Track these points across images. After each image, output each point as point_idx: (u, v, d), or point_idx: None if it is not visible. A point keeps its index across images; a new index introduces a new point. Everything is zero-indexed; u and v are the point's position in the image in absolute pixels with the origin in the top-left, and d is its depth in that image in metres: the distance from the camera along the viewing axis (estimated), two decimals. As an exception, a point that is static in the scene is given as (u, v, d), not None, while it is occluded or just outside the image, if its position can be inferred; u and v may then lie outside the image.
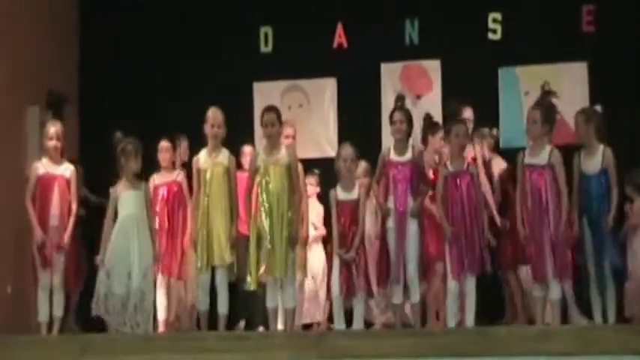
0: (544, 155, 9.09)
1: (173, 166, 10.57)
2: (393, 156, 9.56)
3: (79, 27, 13.26)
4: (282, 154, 9.44)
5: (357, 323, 9.29)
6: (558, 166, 9.04)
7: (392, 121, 9.58)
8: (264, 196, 9.31)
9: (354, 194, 9.41)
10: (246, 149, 10.84)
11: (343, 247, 9.30)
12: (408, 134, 9.64)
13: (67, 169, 10.14)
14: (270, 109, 9.61)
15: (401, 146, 9.55)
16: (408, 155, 9.54)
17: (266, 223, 9.25)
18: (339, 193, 9.45)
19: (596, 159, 9.16)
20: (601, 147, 9.18)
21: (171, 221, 10.32)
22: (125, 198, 9.49)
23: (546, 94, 9.72)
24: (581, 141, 9.31)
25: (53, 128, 10.17)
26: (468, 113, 10.24)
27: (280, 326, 9.51)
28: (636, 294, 9.41)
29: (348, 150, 9.49)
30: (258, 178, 9.38)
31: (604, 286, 9.04)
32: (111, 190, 9.63)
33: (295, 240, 9.35)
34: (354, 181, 9.50)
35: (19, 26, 11.66)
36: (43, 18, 12.21)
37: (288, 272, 9.25)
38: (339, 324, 9.30)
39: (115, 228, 9.41)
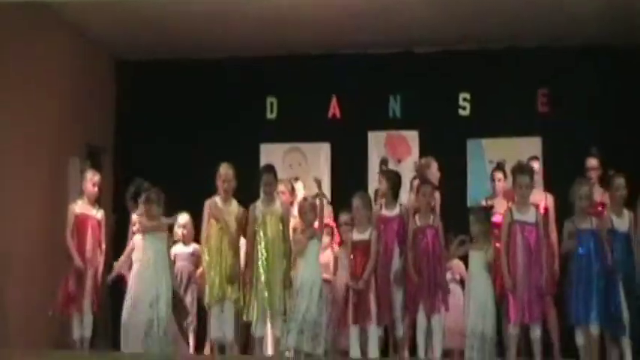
0: (532, 214, 8.90)
1: None
2: (384, 211, 9.51)
3: (114, 89, 13.18)
4: (277, 206, 9.33)
5: (372, 351, 9.07)
6: (542, 223, 8.89)
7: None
8: (262, 242, 9.18)
9: (366, 235, 9.22)
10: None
11: (354, 279, 9.12)
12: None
13: (98, 212, 10.11)
14: (269, 169, 9.49)
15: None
16: (396, 211, 9.50)
17: (263, 265, 9.12)
18: (355, 235, 9.30)
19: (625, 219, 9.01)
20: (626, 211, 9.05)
21: None
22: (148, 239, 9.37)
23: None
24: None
25: (96, 177, 10.16)
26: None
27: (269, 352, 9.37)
28: None
29: (358, 201, 9.35)
30: (256, 227, 9.24)
31: None
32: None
33: (289, 282, 9.16)
34: (366, 225, 9.27)
35: (62, 89, 11.61)
36: (82, 81, 12.10)
37: (280, 307, 9.10)
38: (355, 352, 9.06)
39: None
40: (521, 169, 9.10)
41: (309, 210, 9.32)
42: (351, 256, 9.28)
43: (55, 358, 8.90)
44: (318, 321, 8.98)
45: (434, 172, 10.05)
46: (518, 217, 8.87)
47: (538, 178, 9.89)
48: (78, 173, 11.14)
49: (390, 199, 9.56)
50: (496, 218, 9.57)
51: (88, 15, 11.34)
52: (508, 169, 9.76)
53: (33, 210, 10.66)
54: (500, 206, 9.68)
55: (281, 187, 10.10)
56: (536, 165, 10.08)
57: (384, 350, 9.45)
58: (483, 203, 10.10)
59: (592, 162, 9.92)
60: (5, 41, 10.32)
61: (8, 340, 10.05)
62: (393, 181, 9.62)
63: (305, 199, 9.70)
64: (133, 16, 11.38)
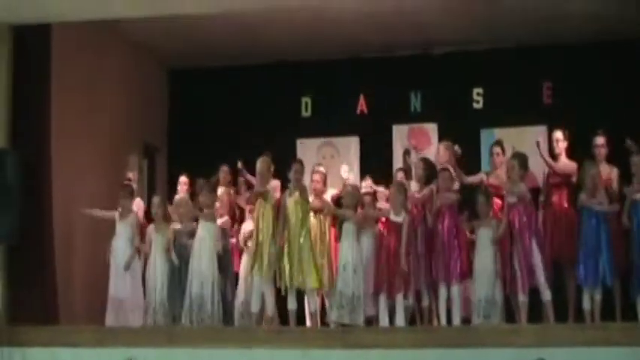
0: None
1: None
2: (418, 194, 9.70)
3: (167, 95, 13.40)
4: (300, 193, 9.35)
5: (399, 320, 9.10)
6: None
7: None
8: (287, 225, 9.25)
9: (400, 218, 9.29)
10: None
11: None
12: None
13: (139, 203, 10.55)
14: (297, 162, 9.65)
15: None
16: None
17: (288, 245, 9.18)
18: (391, 217, 9.38)
19: None
20: None
21: None
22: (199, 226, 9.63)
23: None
24: None
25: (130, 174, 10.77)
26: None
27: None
28: None
29: (394, 188, 9.56)
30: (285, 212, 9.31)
31: None
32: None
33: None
34: (400, 209, 9.34)
35: (121, 94, 11.91)
36: (139, 88, 12.41)
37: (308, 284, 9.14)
38: (384, 320, 9.12)
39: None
40: (512, 156, 9.37)
41: (346, 195, 9.57)
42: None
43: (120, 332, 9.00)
44: (356, 294, 9.05)
45: (442, 156, 10.15)
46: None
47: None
48: (136, 168, 11.25)
49: (423, 184, 9.69)
50: None
51: (144, 30, 11.57)
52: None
53: (96, 192, 10.86)
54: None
55: (316, 177, 10.19)
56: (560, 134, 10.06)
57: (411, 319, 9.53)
58: (483, 177, 10.10)
59: (600, 140, 9.66)
60: (74, 54, 10.65)
61: (74, 314, 10.15)
62: (430, 169, 9.77)
63: (346, 185, 10.04)
64: (183, 31, 11.61)
